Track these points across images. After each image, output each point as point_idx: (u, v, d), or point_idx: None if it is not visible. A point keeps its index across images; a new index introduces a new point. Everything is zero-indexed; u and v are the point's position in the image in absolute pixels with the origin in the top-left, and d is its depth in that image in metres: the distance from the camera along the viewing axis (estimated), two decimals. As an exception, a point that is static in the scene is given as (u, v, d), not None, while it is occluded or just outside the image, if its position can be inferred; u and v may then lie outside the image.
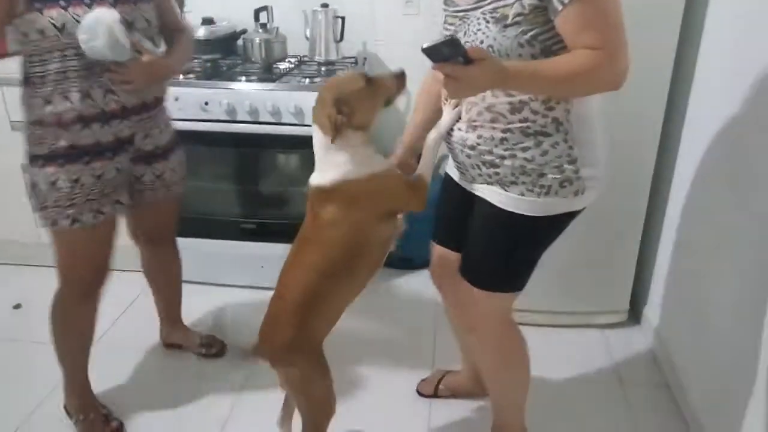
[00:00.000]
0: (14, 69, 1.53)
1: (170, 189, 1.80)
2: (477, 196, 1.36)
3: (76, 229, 1.56)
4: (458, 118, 1.33)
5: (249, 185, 2.45)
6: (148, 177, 1.72)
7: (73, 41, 1.41)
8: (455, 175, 1.46)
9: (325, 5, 2.46)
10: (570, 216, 1.32)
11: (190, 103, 2.24)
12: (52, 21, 1.40)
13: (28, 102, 1.51)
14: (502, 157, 1.26)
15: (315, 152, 1.37)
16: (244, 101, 2.22)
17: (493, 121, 1.25)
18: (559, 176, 1.24)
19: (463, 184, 1.42)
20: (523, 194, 1.27)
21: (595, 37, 1.10)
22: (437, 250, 1.59)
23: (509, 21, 1.14)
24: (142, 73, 1.54)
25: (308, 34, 2.51)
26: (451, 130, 1.35)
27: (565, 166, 1.24)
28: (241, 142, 2.30)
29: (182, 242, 2.03)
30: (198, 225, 2.43)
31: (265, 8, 2.52)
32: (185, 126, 2.23)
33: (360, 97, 1.32)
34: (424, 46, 1.04)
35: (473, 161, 1.32)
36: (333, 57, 2.52)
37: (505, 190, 1.29)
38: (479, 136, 1.28)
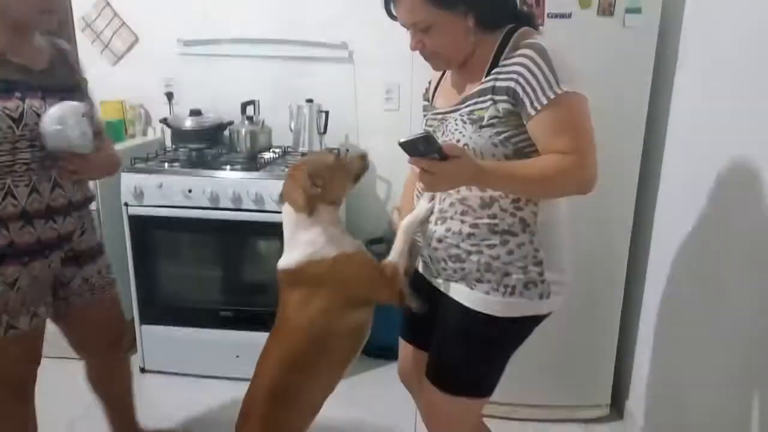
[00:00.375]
0: None
1: (94, 293, 1.66)
2: (443, 293, 1.34)
3: (9, 336, 1.43)
4: (433, 209, 1.33)
5: (229, 272, 2.45)
6: (76, 282, 1.60)
7: (27, 133, 1.37)
8: (421, 268, 1.44)
9: (310, 100, 2.58)
10: (535, 321, 1.30)
11: (174, 191, 2.27)
12: (9, 112, 1.34)
13: None
14: (469, 252, 1.26)
15: (284, 233, 1.37)
16: (228, 189, 2.26)
17: (463, 213, 1.26)
18: (523, 277, 1.24)
19: (429, 278, 1.40)
20: (488, 293, 1.25)
21: (566, 143, 1.14)
22: (404, 348, 1.54)
23: (484, 122, 1.19)
24: (99, 164, 1.55)
25: (293, 126, 2.61)
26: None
27: (530, 267, 1.24)
28: (223, 229, 2.32)
29: (154, 330, 1.98)
30: (174, 312, 2.39)
31: (252, 102, 2.63)
32: (168, 213, 2.26)
33: (331, 171, 1.37)
34: (401, 140, 1.07)
35: (440, 254, 1.31)
36: (316, 148, 2.61)
37: (471, 288, 1.27)
38: (447, 229, 1.28)
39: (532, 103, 1.14)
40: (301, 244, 1.33)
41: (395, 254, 1.36)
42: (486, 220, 1.24)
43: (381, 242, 2.55)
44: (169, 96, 2.68)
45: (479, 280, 1.26)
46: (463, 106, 1.24)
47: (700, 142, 1.72)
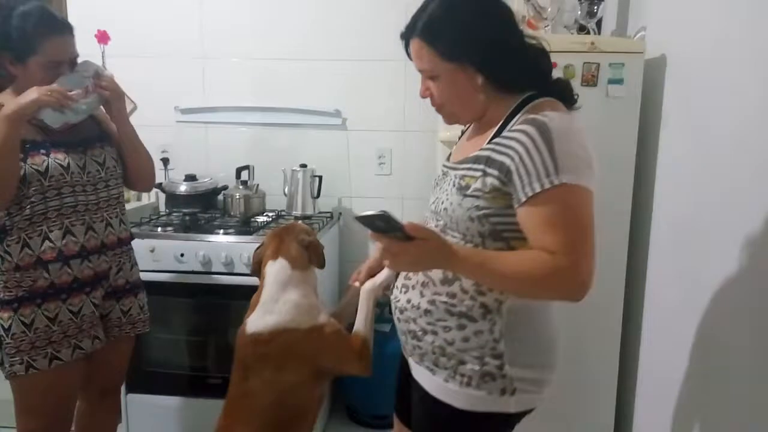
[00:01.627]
0: None
1: (135, 326, 1.81)
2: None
3: (53, 369, 1.57)
4: (396, 277, 1.26)
5: (220, 338, 2.40)
6: (116, 314, 1.75)
7: (54, 183, 1.54)
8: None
9: (303, 165, 2.62)
10: (505, 420, 1.15)
11: (166, 255, 2.26)
12: (36, 167, 1.52)
13: (4, 251, 1.55)
14: (424, 331, 1.15)
15: (266, 293, 1.33)
16: (221, 253, 2.25)
17: (423, 285, 1.15)
18: (478, 368, 1.10)
19: (403, 351, 1.29)
20: (446, 381, 1.13)
21: (558, 241, 1.00)
22: (396, 424, 1.44)
23: (468, 192, 1.09)
24: (126, 119, 1.73)
25: (287, 190, 2.65)
26: (394, 287, 1.26)
27: (487, 359, 1.10)
28: (214, 293, 2.30)
29: (141, 399, 1.94)
30: (162, 380, 2.33)
31: (246, 167, 2.67)
32: (160, 277, 2.24)
33: (314, 235, 1.40)
34: (357, 215, 0.98)
35: (401, 327, 1.21)
36: (309, 212, 2.63)
37: (432, 374, 1.15)
38: (408, 301, 1.18)
39: (523, 188, 1.02)
40: (283, 306, 1.30)
41: (361, 324, 1.32)
42: (444, 298, 1.12)
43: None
44: (165, 162, 2.72)
45: (437, 365, 1.14)
46: (460, 167, 1.14)
47: (687, 194, 1.75)
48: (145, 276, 2.21)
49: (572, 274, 1.01)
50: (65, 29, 1.57)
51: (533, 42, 1.16)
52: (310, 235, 1.39)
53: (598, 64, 1.91)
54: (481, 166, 1.09)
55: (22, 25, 1.49)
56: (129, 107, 2.40)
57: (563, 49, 1.91)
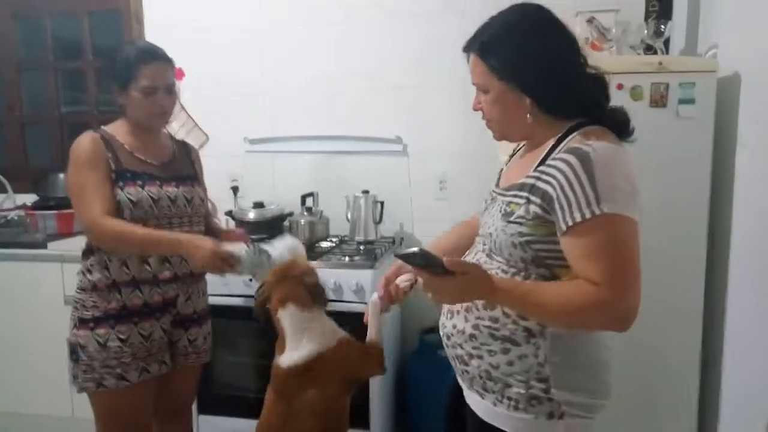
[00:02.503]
0: (74, 247, 1.69)
1: (200, 356, 1.86)
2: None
3: (121, 389, 1.64)
4: (411, 285, 1.34)
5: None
6: (183, 342, 1.80)
7: (142, 214, 1.63)
8: None
9: (366, 191, 2.67)
10: None
11: (235, 280, 2.32)
12: (130, 197, 1.62)
13: (86, 269, 1.67)
14: (470, 356, 1.15)
15: (289, 335, 1.44)
16: None
17: (467, 310, 1.15)
18: (524, 391, 1.10)
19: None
20: (495, 404, 1.13)
21: (600, 271, 0.99)
22: None
23: (512, 219, 1.09)
24: None
25: (350, 216, 2.69)
26: (442, 313, 1.27)
27: (533, 382, 1.09)
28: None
29: (213, 420, 1.99)
30: (232, 403, 2.39)
31: (311, 194, 2.74)
32: (230, 302, 2.32)
33: (314, 271, 1.50)
34: (396, 253, 1.06)
35: (450, 352, 1.22)
36: (372, 237, 2.66)
37: (481, 397, 1.16)
38: (454, 326, 1.19)
39: (564, 218, 1.02)
40: (309, 339, 1.41)
41: (372, 333, 1.44)
42: (487, 323, 1.12)
43: (433, 332, 2.51)
44: (235, 190, 2.84)
45: (484, 388, 1.15)
46: (507, 193, 1.15)
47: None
48: (215, 300, 2.29)
49: (615, 306, 1.00)
50: (161, 58, 1.69)
51: (593, 71, 1.15)
52: (311, 276, 1.48)
53: (667, 84, 1.85)
54: (525, 194, 1.09)
55: (126, 55, 1.65)
56: (201, 139, 2.57)
57: (630, 70, 1.87)
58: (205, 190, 1.89)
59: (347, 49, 2.80)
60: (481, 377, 1.14)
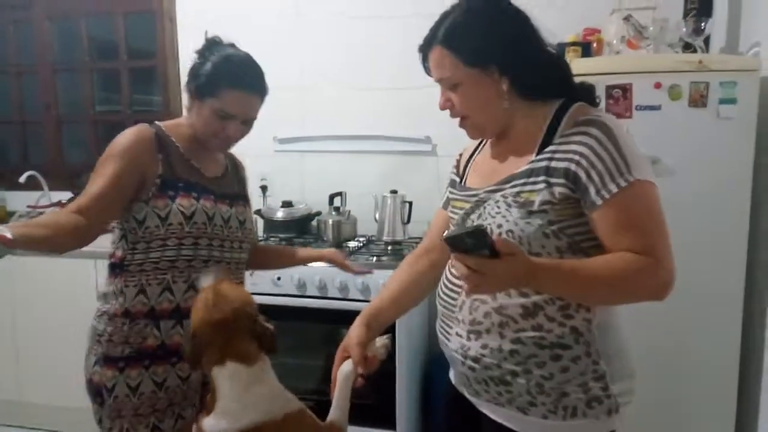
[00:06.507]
0: (107, 244, 1.47)
1: None
2: (485, 414, 1.15)
3: None
4: (387, 353, 1.19)
5: (314, 360, 2.45)
6: None
7: (194, 231, 1.39)
8: (456, 383, 1.23)
9: (394, 191, 2.66)
10: None
11: (263, 279, 2.35)
12: (182, 209, 1.38)
13: (116, 291, 1.40)
14: (514, 374, 1.06)
15: (226, 396, 1.08)
16: (314, 277, 2.32)
17: (501, 326, 1.06)
18: (584, 396, 1.05)
19: (468, 396, 1.19)
20: (545, 417, 1.06)
21: (638, 240, 0.98)
22: None
23: (535, 208, 1.03)
24: None
25: (377, 216, 2.68)
26: (448, 334, 1.16)
27: (591, 383, 1.05)
28: (309, 317, 2.35)
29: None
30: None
31: (339, 194, 2.74)
32: (258, 300, 2.33)
33: (268, 327, 1.14)
34: (446, 234, 0.94)
35: (478, 376, 1.11)
36: (399, 237, 2.65)
37: (525, 414, 1.08)
38: (484, 346, 1.09)
39: (598, 191, 0.99)
40: (250, 406, 1.08)
41: (338, 412, 1.16)
42: (530, 333, 1.05)
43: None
44: (264, 189, 2.86)
45: (532, 404, 1.07)
46: (507, 186, 1.08)
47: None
48: (263, 300, 2.28)
49: (660, 273, 0.98)
50: (255, 89, 1.47)
51: (553, 51, 1.15)
52: (254, 311, 1.15)
53: (708, 84, 1.80)
54: (542, 178, 1.04)
55: (219, 66, 1.41)
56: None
57: (668, 69, 1.82)
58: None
59: (376, 48, 2.79)
60: (529, 393, 1.06)
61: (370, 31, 2.80)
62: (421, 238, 2.73)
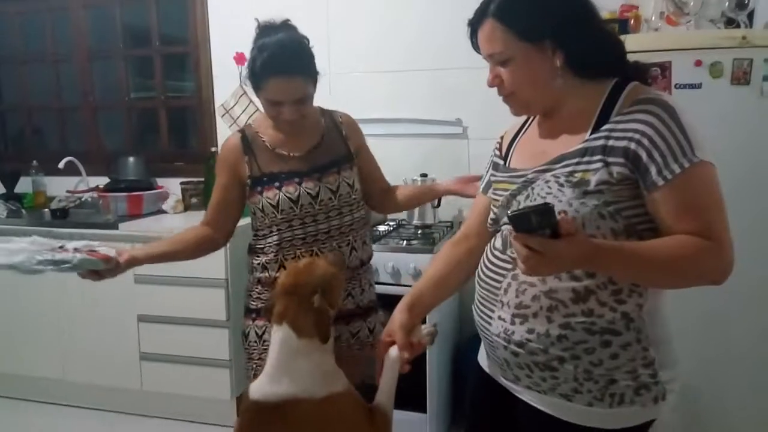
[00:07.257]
0: (143, 228, 1.62)
1: (363, 347, 1.67)
2: (523, 400, 1.13)
3: None
4: (433, 340, 1.19)
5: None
6: (345, 336, 1.64)
7: (285, 216, 1.55)
8: (490, 368, 1.22)
9: (424, 175, 2.64)
10: (646, 426, 1.07)
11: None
12: (269, 201, 1.56)
13: (251, 266, 1.66)
14: (561, 360, 1.04)
15: (272, 358, 1.15)
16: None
17: (550, 310, 1.04)
18: (633, 383, 1.03)
19: (504, 382, 1.17)
20: (591, 404, 1.04)
21: (699, 223, 0.96)
22: None
23: (591, 188, 1.00)
24: None
25: (408, 200, 2.67)
26: (489, 318, 1.13)
27: (640, 370, 1.03)
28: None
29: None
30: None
31: (369, 177, 2.73)
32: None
33: (339, 284, 1.18)
34: (511, 212, 0.94)
35: (521, 361, 1.08)
36: (430, 221, 2.64)
37: (569, 401, 1.06)
38: (530, 331, 1.06)
39: (660, 172, 0.96)
40: (293, 375, 1.12)
41: (384, 396, 1.17)
42: (580, 318, 1.02)
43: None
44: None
45: (577, 391, 1.04)
46: (558, 165, 1.05)
47: None
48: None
49: (721, 255, 0.96)
50: (291, 69, 1.49)
51: (605, 26, 1.11)
52: (322, 300, 1.16)
53: (751, 60, 1.73)
54: (599, 157, 1.00)
55: (256, 59, 1.49)
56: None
57: (709, 45, 1.75)
58: (369, 161, 1.79)
59: (406, 31, 2.76)
60: (576, 379, 1.04)
61: (399, 13, 2.77)
62: (451, 222, 2.74)
